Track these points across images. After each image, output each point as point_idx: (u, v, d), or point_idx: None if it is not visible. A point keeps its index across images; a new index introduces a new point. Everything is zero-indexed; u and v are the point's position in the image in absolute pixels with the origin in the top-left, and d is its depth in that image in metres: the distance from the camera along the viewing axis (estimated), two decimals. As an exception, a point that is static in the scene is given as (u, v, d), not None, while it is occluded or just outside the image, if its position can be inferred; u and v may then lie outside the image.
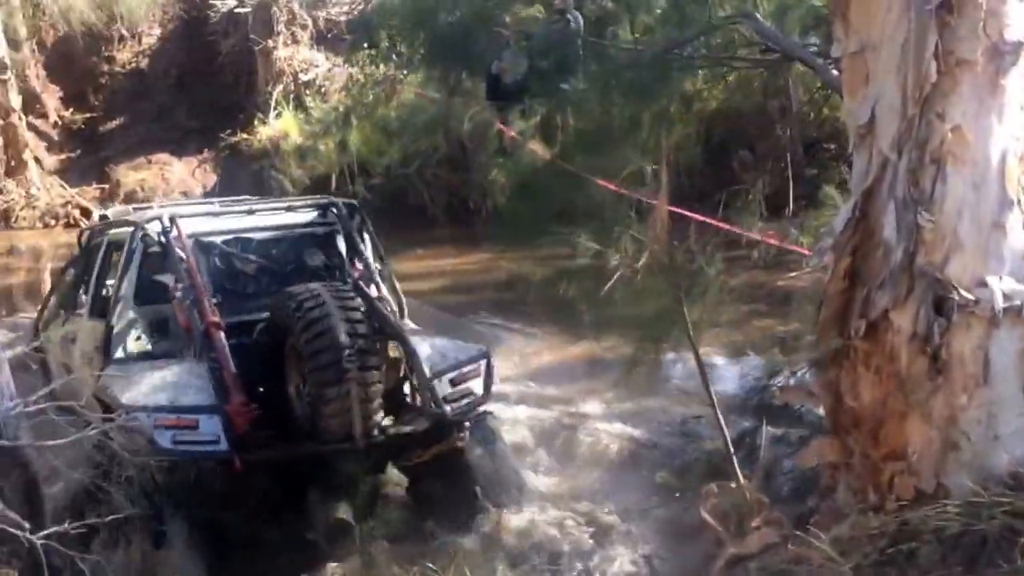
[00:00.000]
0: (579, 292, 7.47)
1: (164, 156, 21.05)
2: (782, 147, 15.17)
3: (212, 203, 10.26)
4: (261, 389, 7.76)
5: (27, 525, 5.35)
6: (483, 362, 8.14)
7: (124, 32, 22.70)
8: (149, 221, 8.47)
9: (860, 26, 5.01)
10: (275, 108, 20.00)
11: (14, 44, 20.18)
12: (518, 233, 7.86)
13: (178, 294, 7.96)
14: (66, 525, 5.57)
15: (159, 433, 7.17)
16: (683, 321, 6.72)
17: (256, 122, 20.10)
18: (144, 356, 8.30)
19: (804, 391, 6.25)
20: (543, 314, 11.94)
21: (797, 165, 14.70)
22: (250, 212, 9.08)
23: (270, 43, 20.23)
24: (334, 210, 8.89)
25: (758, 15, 7.34)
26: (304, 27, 20.56)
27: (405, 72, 16.52)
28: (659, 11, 7.88)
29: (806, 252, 7.26)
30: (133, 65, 23.00)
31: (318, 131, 18.61)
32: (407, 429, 7.86)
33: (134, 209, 10.43)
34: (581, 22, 14.90)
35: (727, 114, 15.53)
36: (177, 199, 17.94)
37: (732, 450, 6.74)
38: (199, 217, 8.94)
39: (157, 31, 23.22)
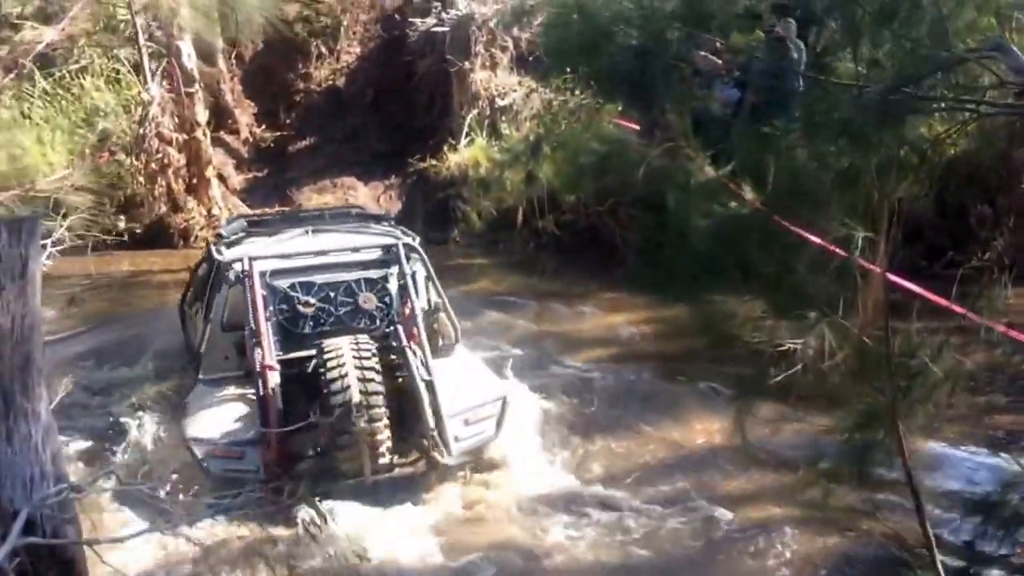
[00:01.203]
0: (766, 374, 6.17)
1: (350, 180, 20.49)
2: (1029, 202, 13.46)
3: (298, 225, 11.63)
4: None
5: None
6: (499, 404, 9.56)
7: (323, 49, 22.36)
8: (233, 263, 10.03)
9: None
10: (467, 134, 19.04)
11: (207, 57, 19.79)
12: (698, 287, 6.79)
13: (246, 332, 9.47)
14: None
15: (211, 462, 8.92)
16: (895, 433, 5.35)
17: (446, 148, 19.21)
18: (227, 379, 9.97)
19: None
20: (722, 387, 10.59)
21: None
22: (321, 253, 10.28)
23: (466, 65, 19.28)
24: (393, 252, 10.29)
25: (1014, 47, 5.74)
26: (504, 49, 19.56)
27: (600, 100, 15.34)
28: (888, 41, 6.33)
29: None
30: (330, 83, 22.50)
31: (506, 160, 17.65)
32: (410, 470, 9.15)
33: (249, 225, 11.79)
34: (804, 52, 13.54)
35: (964, 161, 13.74)
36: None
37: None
38: (275, 259, 10.19)
39: (357, 49, 22.72)
